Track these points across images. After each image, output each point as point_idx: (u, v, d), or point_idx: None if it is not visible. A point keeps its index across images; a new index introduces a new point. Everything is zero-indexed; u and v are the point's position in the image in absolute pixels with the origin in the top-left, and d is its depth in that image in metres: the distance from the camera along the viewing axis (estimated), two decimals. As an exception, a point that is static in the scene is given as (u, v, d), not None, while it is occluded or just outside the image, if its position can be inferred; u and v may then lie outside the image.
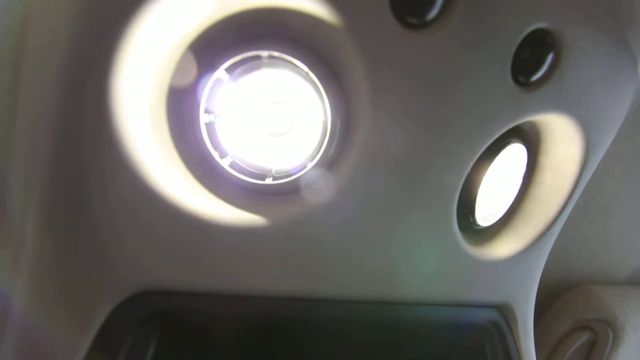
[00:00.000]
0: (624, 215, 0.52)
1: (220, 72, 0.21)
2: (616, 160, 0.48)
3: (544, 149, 0.31)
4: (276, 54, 0.21)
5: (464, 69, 0.21)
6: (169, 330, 0.21)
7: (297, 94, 0.22)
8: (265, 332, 0.23)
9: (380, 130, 0.22)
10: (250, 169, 0.24)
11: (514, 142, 0.28)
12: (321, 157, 0.22)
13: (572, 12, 0.23)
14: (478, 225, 0.30)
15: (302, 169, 0.23)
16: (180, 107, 0.21)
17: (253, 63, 0.21)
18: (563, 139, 0.29)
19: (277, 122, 0.23)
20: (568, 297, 0.48)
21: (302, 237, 0.23)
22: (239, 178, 0.23)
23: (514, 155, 0.30)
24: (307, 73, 0.21)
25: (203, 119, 0.22)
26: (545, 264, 0.50)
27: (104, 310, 0.20)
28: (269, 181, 0.23)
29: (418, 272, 0.27)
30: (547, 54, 0.23)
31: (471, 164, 0.25)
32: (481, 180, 0.27)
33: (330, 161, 0.23)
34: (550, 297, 0.50)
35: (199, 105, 0.21)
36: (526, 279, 0.33)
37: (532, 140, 0.31)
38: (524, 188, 0.33)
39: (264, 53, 0.21)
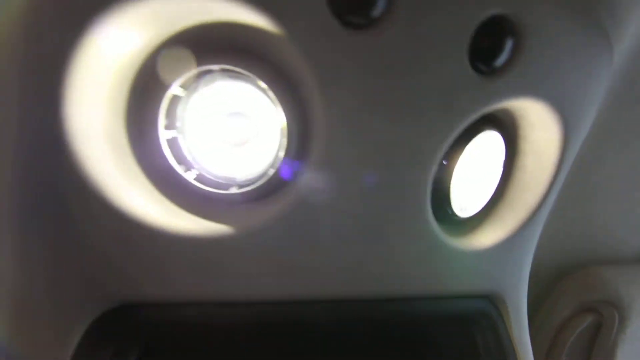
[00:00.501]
0: (625, 192, 0.50)
1: (176, 89, 0.21)
2: (613, 135, 0.47)
3: (522, 134, 0.31)
4: (228, 66, 0.21)
5: (418, 63, 0.21)
6: (150, 342, 0.22)
7: (254, 104, 0.22)
8: (246, 338, 0.24)
9: (337, 132, 0.22)
10: (216, 179, 0.24)
11: (486, 130, 0.28)
12: (281, 163, 0.22)
13: None
14: (457, 216, 0.30)
15: (264, 176, 0.23)
16: (140, 126, 0.22)
17: (208, 77, 0.22)
18: (539, 123, 0.29)
19: (237, 132, 0.24)
20: (571, 280, 0.47)
21: (271, 242, 0.23)
22: (205, 190, 0.23)
23: (490, 142, 0.30)
24: (258, 83, 0.21)
25: (164, 135, 0.22)
26: (546, 248, 0.49)
27: (81, 326, 0.21)
28: (233, 190, 0.23)
29: (397, 267, 0.27)
30: (506, 40, 0.22)
31: (439, 155, 0.25)
32: (453, 171, 0.27)
33: (292, 166, 0.23)
34: (553, 282, 0.49)
35: (157, 123, 0.22)
36: (515, 267, 0.33)
37: (508, 126, 0.30)
38: (505, 175, 0.32)
39: (216, 67, 0.21)
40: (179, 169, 0.23)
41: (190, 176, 0.23)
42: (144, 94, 0.21)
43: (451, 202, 0.28)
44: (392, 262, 0.27)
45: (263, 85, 0.21)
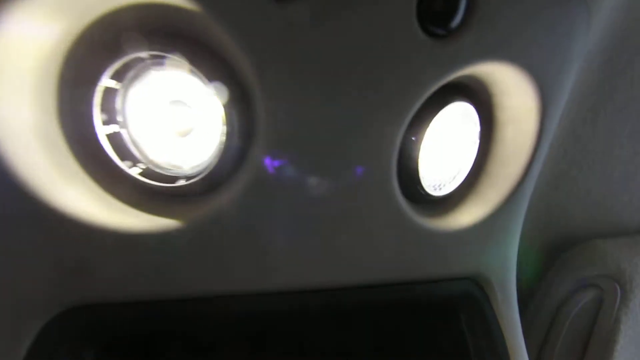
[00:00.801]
0: (625, 159, 0.48)
1: (107, 81, 0.20)
2: (608, 97, 0.44)
3: (496, 102, 0.28)
4: (157, 53, 0.19)
5: (361, 32, 0.19)
6: (105, 343, 0.22)
7: (191, 91, 0.21)
8: (205, 334, 0.23)
9: (281, 115, 0.20)
10: (163, 172, 0.23)
11: (455, 101, 0.26)
12: (225, 153, 0.21)
13: None
14: (432, 195, 0.28)
15: (209, 167, 0.22)
16: (75, 123, 0.21)
17: (140, 66, 0.20)
18: (512, 89, 0.27)
19: (180, 122, 0.22)
20: (569, 255, 0.45)
21: (223, 235, 0.22)
22: (151, 184, 0.22)
23: (461, 114, 0.28)
24: (191, 69, 0.20)
25: (103, 131, 0.21)
26: (541, 223, 0.47)
27: (32, 328, 0.20)
28: (180, 183, 0.22)
29: (367, 253, 0.26)
30: (458, 0, 0.20)
31: (400, 131, 0.23)
32: (420, 147, 0.25)
33: (239, 155, 0.22)
34: (551, 258, 0.47)
35: (92, 119, 0.20)
36: (500, 245, 0.31)
37: (481, 95, 0.28)
38: (483, 148, 0.30)
39: (144, 54, 0.19)
40: (122, 164, 0.22)
41: (134, 171, 0.22)
42: (75, 88, 0.20)
43: (421, 180, 0.26)
44: (360, 247, 0.25)
45: (196, 71, 0.20)
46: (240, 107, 0.21)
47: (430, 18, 0.20)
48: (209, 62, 0.20)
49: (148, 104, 0.22)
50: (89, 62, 0.19)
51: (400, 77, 0.21)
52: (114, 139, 0.22)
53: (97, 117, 0.21)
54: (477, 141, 0.29)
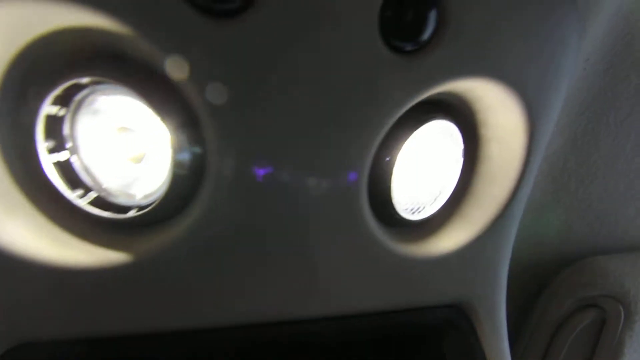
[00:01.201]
0: (629, 171, 0.45)
1: (49, 108, 0.19)
2: (610, 106, 0.41)
3: (481, 119, 0.26)
4: (97, 78, 0.18)
5: (316, 48, 0.18)
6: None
7: (139, 117, 0.20)
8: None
9: (236, 142, 0.19)
10: (116, 201, 0.22)
11: (433, 120, 0.24)
12: (177, 182, 0.20)
13: None
14: (410, 219, 0.26)
15: (162, 196, 0.20)
16: (19, 151, 0.19)
17: (84, 92, 0.19)
18: (496, 106, 0.25)
19: (132, 148, 0.21)
20: (569, 273, 0.42)
21: (177, 268, 0.21)
22: (102, 216, 0.21)
23: (441, 132, 0.26)
24: (136, 94, 0.18)
25: (48, 159, 0.20)
26: (539, 239, 0.45)
27: None
28: (132, 213, 0.21)
29: (339, 281, 0.24)
30: (428, 10, 0.18)
31: (368, 156, 0.21)
32: (392, 170, 0.24)
33: (191, 183, 0.20)
34: (549, 276, 0.45)
35: (36, 147, 0.19)
36: (486, 270, 0.29)
37: (463, 111, 0.26)
38: (468, 167, 0.28)
39: (84, 80, 0.18)
40: (69, 194, 0.20)
41: (84, 201, 0.21)
42: (15, 116, 0.19)
43: (394, 204, 0.25)
44: (328, 276, 0.24)
45: (141, 96, 0.18)
46: (190, 133, 0.19)
47: (395, 32, 0.18)
48: (154, 86, 0.18)
49: (98, 130, 0.21)
50: (25, 90, 0.18)
51: (363, 97, 0.19)
52: (64, 166, 0.21)
53: (41, 144, 0.19)
54: (461, 160, 0.27)
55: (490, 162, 0.28)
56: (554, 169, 0.41)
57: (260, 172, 0.20)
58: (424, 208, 0.28)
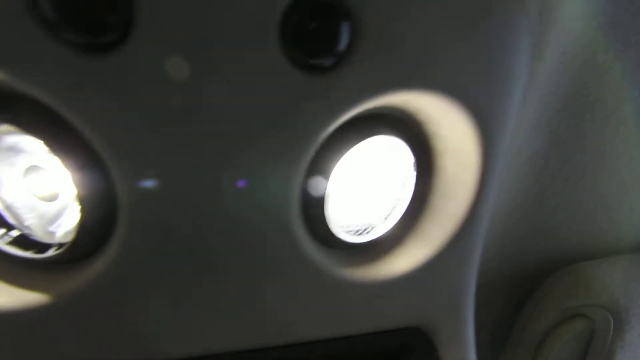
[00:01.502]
0: (620, 168, 0.42)
1: None
2: (594, 100, 0.38)
3: (431, 130, 0.24)
4: None
5: (209, 72, 0.16)
6: None
7: (45, 156, 0.19)
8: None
9: (142, 178, 0.18)
10: (38, 240, 0.21)
11: (371, 135, 0.22)
12: (85, 221, 0.19)
13: None
14: (355, 242, 0.25)
15: (76, 234, 0.19)
16: None
17: None
18: (441, 117, 0.22)
19: (44, 186, 0.20)
20: (552, 281, 0.40)
21: (98, 305, 0.20)
22: (21, 255, 0.20)
23: (387, 147, 0.24)
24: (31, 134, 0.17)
25: None
26: (521, 245, 0.42)
27: None
28: (50, 252, 0.20)
29: (282, 310, 0.23)
30: (336, 24, 0.16)
31: (294, 183, 0.20)
32: (326, 193, 0.22)
33: (103, 221, 0.19)
34: (533, 284, 0.42)
35: None
36: (448, 290, 0.27)
37: (411, 123, 0.24)
38: (423, 182, 0.26)
39: None
40: None
41: (3, 242, 0.20)
42: None
43: (330, 227, 0.23)
44: (265, 306, 0.22)
45: (36, 136, 0.17)
46: (95, 171, 0.18)
47: (302, 49, 0.17)
48: (48, 125, 0.17)
49: (13, 169, 0.20)
50: None
51: (276, 122, 0.18)
52: None
53: None
54: (413, 175, 0.25)
55: (445, 175, 0.26)
56: (535, 169, 0.39)
57: (175, 207, 0.19)
58: (373, 228, 0.26)
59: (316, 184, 0.22)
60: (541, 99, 0.35)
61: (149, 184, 0.18)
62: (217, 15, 0.15)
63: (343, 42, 0.17)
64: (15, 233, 0.21)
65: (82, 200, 0.18)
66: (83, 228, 0.19)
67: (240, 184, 0.19)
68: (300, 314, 0.23)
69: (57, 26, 0.13)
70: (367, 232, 0.26)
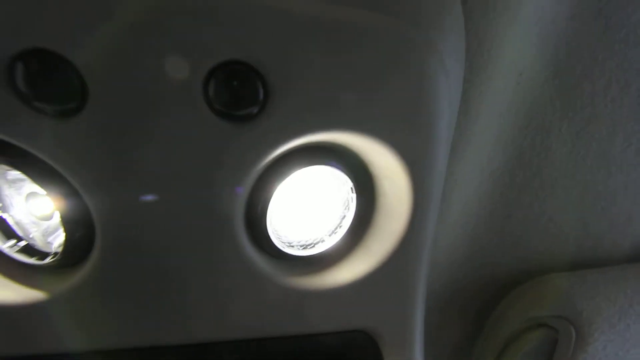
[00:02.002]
0: (595, 183, 0.42)
1: None
2: (563, 116, 0.39)
3: (366, 159, 0.27)
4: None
5: (154, 129, 0.20)
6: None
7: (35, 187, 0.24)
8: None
9: (113, 210, 0.22)
10: (41, 249, 0.26)
11: (305, 165, 0.26)
12: (71, 236, 0.24)
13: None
14: (297, 255, 0.28)
15: (64, 247, 0.24)
16: None
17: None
18: (366, 148, 0.25)
19: (41, 208, 0.25)
20: (519, 292, 0.40)
21: (86, 301, 0.25)
22: (26, 261, 0.26)
23: (327, 173, 0.27)
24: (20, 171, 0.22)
25: None
26: (488, 256, 0.44)
27: None
28: (48, 260, 0.25)
29: (232, 311, 0.27)
30: (246, 86, 0.20)
31: (234, 209, 0.24)
32: (265, 215, 0.26)
33: (87, 236, 0.24)
34: (499, 295, 0.43)
35: None
36: (391, 298, 0.30)
37: (350, 152, 0.27)
38: (368, 202, 0.29)
39: None
40: (4, 245, 0.25)
41: (13, 250, 0.26)
42: None
43: (272, 241, 0.27)
44: (218, 306, 0.27)
45: (26, 175, 0.22)
46: (73, 199, 0.23)
47: (221, 100, 0.20)
48: (36, 167, 0.22)
49: (16, 194, 0.25)
50: None
51: (212, 161, 0.22)
52: (1, 222, 0.26)
53: None
54: (353, 196, 0.28)
55: (385, 197, 0.29)
56: (499, 185, 0.40)
57: (138, 227, 0.23)
58: (321, 242, 0.29)
59: (258, 204, 0.25)
60: (500, 117, 0.36)
61: (115, 212, 0.22)
62: (152, 84, 0.19)
63: (258, 97, 0.20)
64: (22, 243, 0.26)
65: (65, 222, 0.23)
66: (68, 242, 0.24)
67: (192, 208, 0.23)
68: (250, 315, 0.27)
69: (29, 97, 0.18)
70: (314, 246, 0.29)
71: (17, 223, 0.26)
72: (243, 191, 0.24)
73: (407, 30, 0.21)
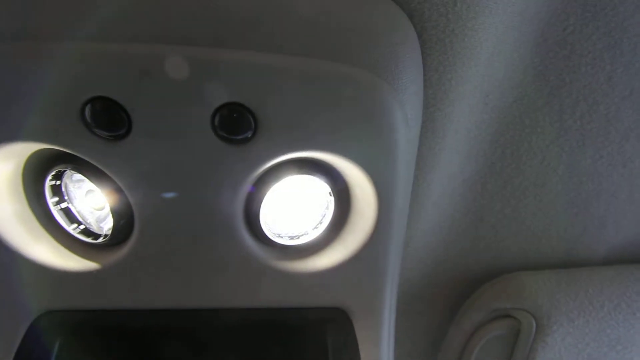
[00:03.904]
0: (564, 192, 0.46)
1: (48, 182, 0.33)
2: (532, 132, 0.43)
3: (340, 169, 0.34)
4: (63, 168, 0.31)
5: (172, 149, 0.28)
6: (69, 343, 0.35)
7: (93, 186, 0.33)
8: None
9: (147, 203, 0.31)
10: (96, 231, 0.35)
11: (288, 175, 0.33)
12: (118, 223, 0.32)
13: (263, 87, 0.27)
14: (287, 244, 0.36)
15: (112, 231, 0.33)
16: (40, 205, 0.34)
17: (67, 172, 0.33)
18: (337, 163, 0.32)
19: (96, 200, 0.34)
20: (488, 286, 0.45)
21: (130, 271, 0.34)
22: (86, 240, 0.35)
23: (310, 180, 0.34)
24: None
25: (55, 208, 0.34)
26: (461, 255, 0.49)
27: (21, 328, 0.35)
28: (100, 240, 0.34)
29: (233, 286, 0.35)
30: (242, 117, 0.27)
31: (235, 208, 0.31)
32: (259, 212, 0.33)
33: (129, 224, 0.33)
34: (470, 290, 0.48)
35: (47, 202, 0.34)
36: (363, 282, 0.37)
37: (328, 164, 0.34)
38: (345, 203, 0.36)
39: (62, 167, 0.32)
40: (69, 228, 0.35)
41: (76, 231, 0.35)
42: (35, 188, 0.33)
43: (266, 233, 0.34)
44: (222, 283, 0.35)
45: (86, 177, 0.31)
46: (120, 195, 0.31)
47: (224, 129, 0.28)
48: (92, 170, 0.31)
49: (79, 190, 0.35)
50: (36, 175, 0.32)
51: (218, 176, 0.29)
52: (66, 211, 0.35)
53: (50, 200, 0.34)
54: (332, 199, 0.35)
55: (357, 201, 0.35)
56: (472, 191, 0.45)
57: (165, 217, 0.32)
58: (306, 234, 0.37)
59: (254, 203, 0.33)
60: (469, 133, 0.41)
61: (149, 206, 0.31)
62: (176, 118, 0.27)
63: (249, 127, 0.27)
64: (82, 227, 0.35)
65: (113, 212, 0.32)
66: (115, 227, 0.33)
67: (203, 205, 0.31)
68: (246, 289, 0.35)
69: (90, 126, 0.27)
70: (300, 237, 0.36)
71: (78, 212, 0.35)
72: (254, 189, 0.32)
73: (368, 76, 0.28)
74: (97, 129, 0.27)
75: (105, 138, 0.27)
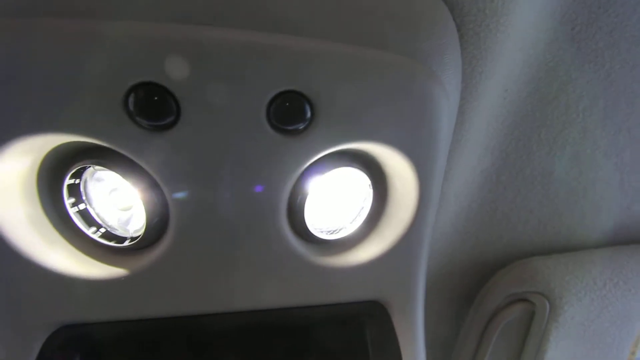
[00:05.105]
0: (569, 179, 0.49)
1: (67, 181, 0.29)
2: (541, 125, 0.46)
3: (381, 161, 0.34)
4: (88, 164, 0.28)
5: (223, 138, 0.27)
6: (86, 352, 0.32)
7: (123, 183, 0.30)
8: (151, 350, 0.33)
9: (185, 202, 0.28)
10: (118, 234, 0.32)
11: (336, 168, 0.32)
12: (150, 224, 0.30)
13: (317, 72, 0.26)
14: (328, 239, 0.35)
15: (144, 232, 0.30)
16: (55, 206, 0.30)
17: (89, 170, 0.30)
18: (383, 154, 0.32)
19: (123, 200, 0.31)
20: (505, 272, 0.48)
21: (158, 277, 0.31)
22: (108, 244, 0.32)
23: (351, 173, 0.34)
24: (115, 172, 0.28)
25: (72, 210, 0.31)
26: (475, 243, 0.51)
27: (35, 345, 0.31)
28: (127, 243, 0.31)
29: (271, 285, 0.34)
30: (299, 106, 0.26)
31: (280, 201, 0.30)
32: (304, 207, 0.32)
33: (162, 225, 0.30)
34: (486, 276, 0.51)
35: (64, 203, 0.30)
36: (399, 275, 0.37)
37: (367, 156, 0.34)
38: (382, 196, 0.36)
39: (84, 164, 0.28)
40: (88, 231, 0.31)
41: (97, 235, 0.32)
42: (50, 188, 0.30)
43: (309, 228, 0.33)
44: (259, 282, 0.33)
45: (118, 174, 0.28)
46: (154, 192, 0.29)
47: (279, 118, 0.27)
48: (126, 167, 0.28)
49: (101, 190, 0.31)
50: (52, 174, 0.29)
51: (267, 167, 0.28)
52: (84, 213, 0.31)
53: (67, 201, 0.30)
54: (371, 192, 0.35)
55: (396, 192, 0.35)
56: (488, 182, 0.47)
57: (203, 216, 0.30)
58: (343, 228, 0.36)
59: (298, 197, 0.32)
60: (489, 126, 0.43)
61: (188, 203, 0.28)
62: (230, 106, 0.25)
63: (305, 116, 0.26)
64: (103, 230, 0.32)
65: (147, 210, 0.29)
66: (148, 228, 0.30)
67: (246, 199, 0.29)
68: (286, 286, 0.34)
69: (133, 114, 0.24)
70: (338, 232, 0.36)
71: (97, 214, 0.32)
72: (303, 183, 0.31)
73: (421, 67, 0.28)
74: (140, 118, 0.25)
75: (147, 128, 0.25)
